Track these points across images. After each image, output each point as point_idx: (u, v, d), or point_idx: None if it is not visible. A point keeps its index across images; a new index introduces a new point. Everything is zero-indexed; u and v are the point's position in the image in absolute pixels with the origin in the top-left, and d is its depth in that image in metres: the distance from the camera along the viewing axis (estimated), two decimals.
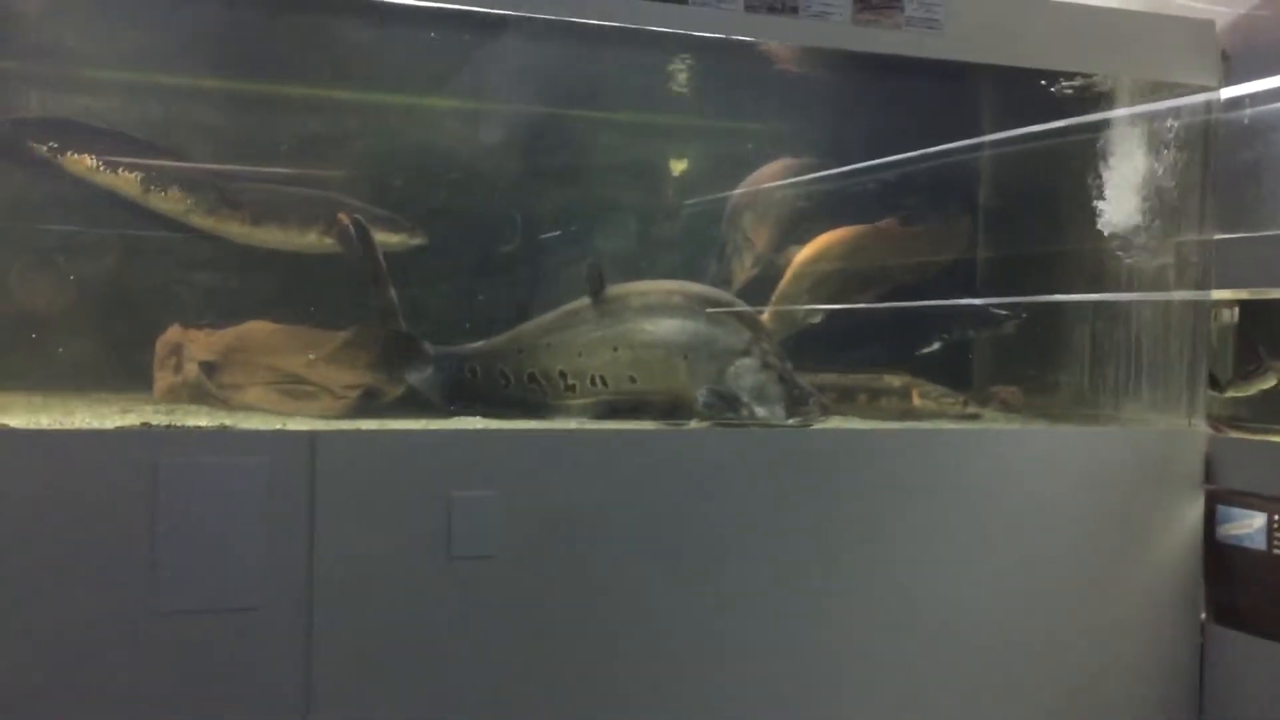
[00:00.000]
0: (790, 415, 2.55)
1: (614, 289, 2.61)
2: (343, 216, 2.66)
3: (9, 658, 1.96)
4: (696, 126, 3.29)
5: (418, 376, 2.51)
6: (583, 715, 2.29)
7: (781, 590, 2.41)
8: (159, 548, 2.02)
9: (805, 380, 2.64)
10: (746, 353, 2.56)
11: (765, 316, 3.04)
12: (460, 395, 2.54)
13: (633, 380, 2.54)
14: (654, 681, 2.34)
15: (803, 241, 3.19)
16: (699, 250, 3.25)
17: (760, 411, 2.52)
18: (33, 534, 1.97)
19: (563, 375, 2.55)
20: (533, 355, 2.57)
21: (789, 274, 3.12)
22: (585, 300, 2.60)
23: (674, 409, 2.53)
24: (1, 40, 2.58)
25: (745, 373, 2.54)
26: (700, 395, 2.52)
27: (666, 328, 2.56)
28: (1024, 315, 3.10)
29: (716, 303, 2.63)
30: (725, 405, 2.51)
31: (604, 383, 2.54)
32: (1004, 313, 3.10)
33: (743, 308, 2.66)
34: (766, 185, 3.22)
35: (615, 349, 2.55)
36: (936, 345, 3.17)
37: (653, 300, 2.59)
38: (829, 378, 2.94)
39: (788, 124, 3.32)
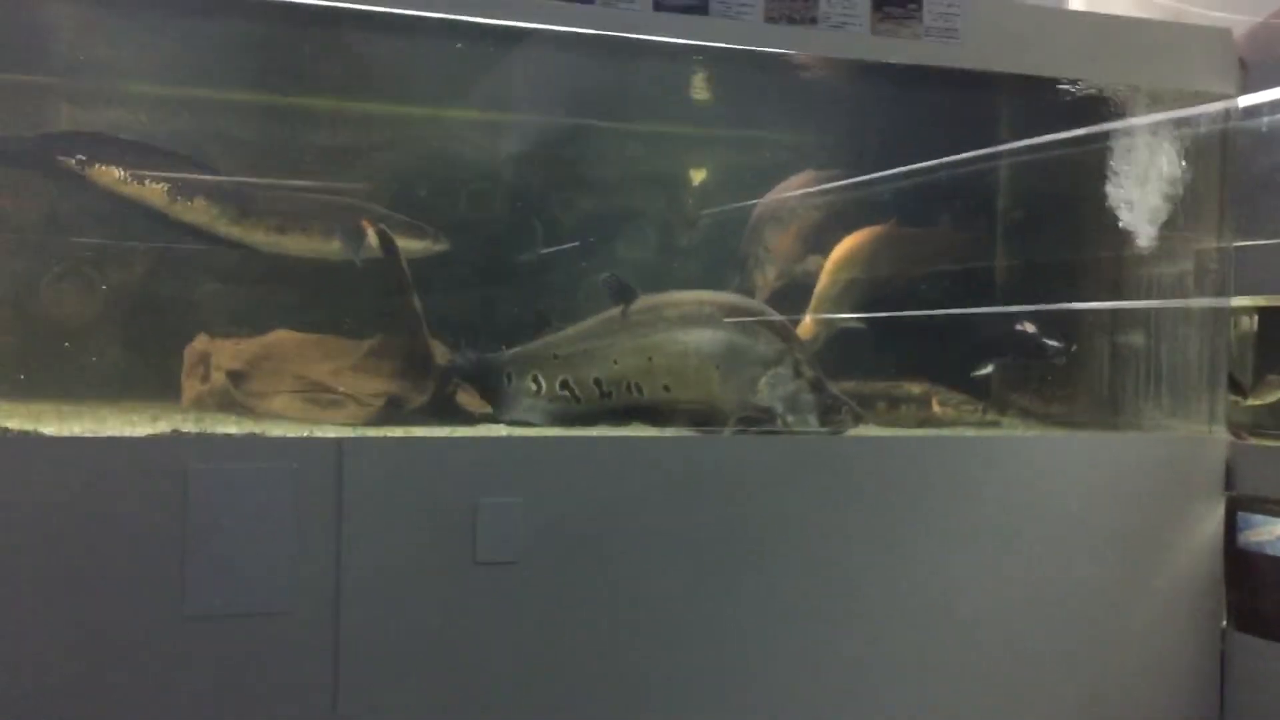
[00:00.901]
0: (823, 423, 2.57)
1: (648, 299, 2.64)
2: (366, 223, 2.69)
3: (43, 660, 1.99)
4: (718, 137, 3.32)
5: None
6: (604, 718, 2.31)
7: (805, 596, 2.42)
8: (189, 552, 2.05)
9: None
10: (779, 362, 2.57)
11: (807, 322, 3.04)
12: (497, 401, 2.58)
13: (667, 389, 2.57)
14: (679, 688, 2.35)
15: (824, 251, 3.21)
16: (721, 261, 3.27)
17: (793, 420, 2.54)
18: (66, 538, 2.00)
19: (598, 383, 2.58)
20: (568, 362, 2.60)
21: (825, 278, 3.12)
22: (632, 304, 2.62)
23: (708, 418, 2.55)
24: (30, 56, 2.63)
25: (778, 382, 2.56)
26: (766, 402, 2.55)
27: (700, 337, 2.58)
28: (1074, 349, 3.08)
29: (749, 313, 2.65)
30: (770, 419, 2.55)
31: (639, 390, 2.56)
32: (1056, 344, 3.07)
33: (775, 317, 2.68)
34: (787, 198, 3.24)
35: (650, 358, 2.57)
36: (989, 369, 3.16)
37: (687, 310, 2.61)
38: (848, 385, 2.95)
39: (806, 135, 3.34)
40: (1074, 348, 3.08)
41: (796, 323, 3.00)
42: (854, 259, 3.14)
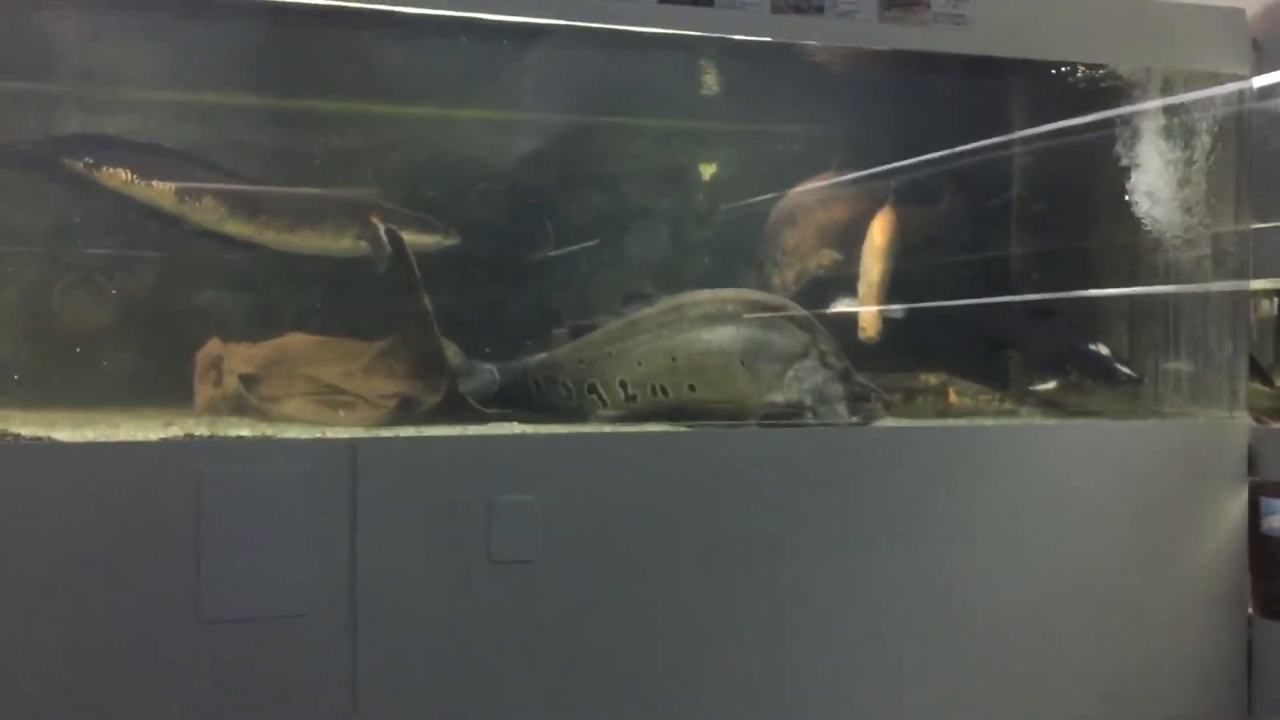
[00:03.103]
0: (853, 413, 2.55)
1: (669, 299, 2.63)
2: (375, 219, 2.68)
3: (58, 668, 1.98)
4: (729, 132, 3.30)
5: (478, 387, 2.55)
6: (623, 717, 2.29)
7: (826, 590, 2.40)
8: (204, 557, 2.04)
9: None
10: (805, 355, 2.55)
11: (870, 316, 2.98)
12: (525, 407, 2.57)
13: (692, 389, 2.55)
14: (698, 686, 2.33)
15: (838, 246, 3.17)
16: (740, 262, 3.25)
17: (823, 412, 2.53)
18: (80, 544, 1.99)
19: (623, 385, 2.57)
20: (593, 366, 2.59)
21: (876, 265, 3.06)
22: (645, 310, 2.62)
23: (736, 415, 2.53)
24: (38, 63, 2.63)
25: (805, 375, 2.54)
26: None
27: (723, 335, 2.56)
28: (1144, 380, 3.00)
29: (772, 308, 2.63)
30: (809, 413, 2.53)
31: (665, 392, 2.55)
32: (1129, 372, 2.97)
33: (798, 311, 2.66)
34: (804, 196, 3.21)
35: (674, 358, 2.56)
36: (1051, 385, 3.10)
37: (709, 309, 2.59)
38: (864, 378, 2.93)
39: (818, 127, 3.32)
40: (1145, 379, 3.00)
41: (841, 316, 2.95)
42: (893, 244, 3.07)
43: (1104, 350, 3.00)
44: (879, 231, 3.07)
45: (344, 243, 2.73)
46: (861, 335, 2.91)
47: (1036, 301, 3.10)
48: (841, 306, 2.96)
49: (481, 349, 2.62)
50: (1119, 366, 2.97)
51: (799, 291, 3.13)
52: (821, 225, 3.21)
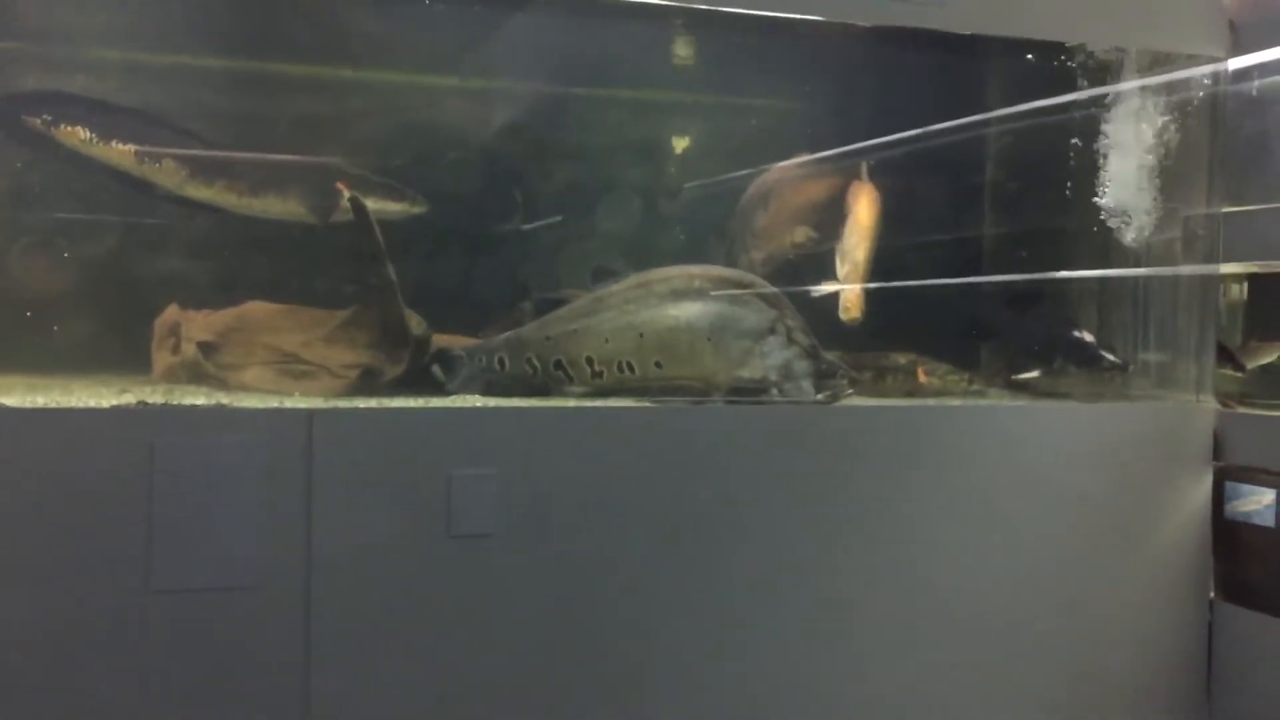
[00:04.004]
0: (819, 390, 2.54)
1: (636, 275, 2.61)
2: (341, 186, 2.64)
3: (6, 635, 1.95)
4: (703, 105, 3.27)
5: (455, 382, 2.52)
6: (582, 695, 2.28)
7: (788, 569, 2.39)
8: (156, 526, 2.01)
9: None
10: (771, 331, 2.55)
11: (853, 296, 2.92)
12: (492, 388, 2.54)
13: (659, 365, 2.53)
14: (658, 664, 2.32)
15: (811, 223, 3.15)
16: (711, 239, 3.23)
17: (789, 389, 2.52)
18: (29, 512, 1.96)
19: (589, 362, 2.54)
20: (559, 343, 2.56)
21: (864, 243, 2.99)
22: (611, 286, 2.59)
23: (701, 392, 2.52)
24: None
25: (771, 351, 2.53)
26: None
27: (690, 311, 2.55)
28: (1130, 368, 2.98)
29: (739, 285, 2.61)
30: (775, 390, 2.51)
31: (631, 369, 2.53)
32: (1114, 359, 2.94)
33: (766, 288, 2.63)
34: (778, 178, 3.18)
35: (641, 334, 2.54)
36: (1035, 373, 3.07)
37: (676, 285, 2.58)
38: (831, 356, 2.90)
39: (794, 102, 3.29)
40: (1131, 367, 2.98)
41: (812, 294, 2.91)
42: (878, 222, 3.02)
43: (1088, 337, 2.99)
44: (864, 210, 3.02)
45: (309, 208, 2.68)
46: (844, 315, 2.87)
47: (1019, 288, 3.08)
48: (819, 286, 2.92)
49: (445, 321, 2.58)
50: (1104, 353, 2.96)
51: (771, 272, 3.10)
52: (793, 205, 3.18)
